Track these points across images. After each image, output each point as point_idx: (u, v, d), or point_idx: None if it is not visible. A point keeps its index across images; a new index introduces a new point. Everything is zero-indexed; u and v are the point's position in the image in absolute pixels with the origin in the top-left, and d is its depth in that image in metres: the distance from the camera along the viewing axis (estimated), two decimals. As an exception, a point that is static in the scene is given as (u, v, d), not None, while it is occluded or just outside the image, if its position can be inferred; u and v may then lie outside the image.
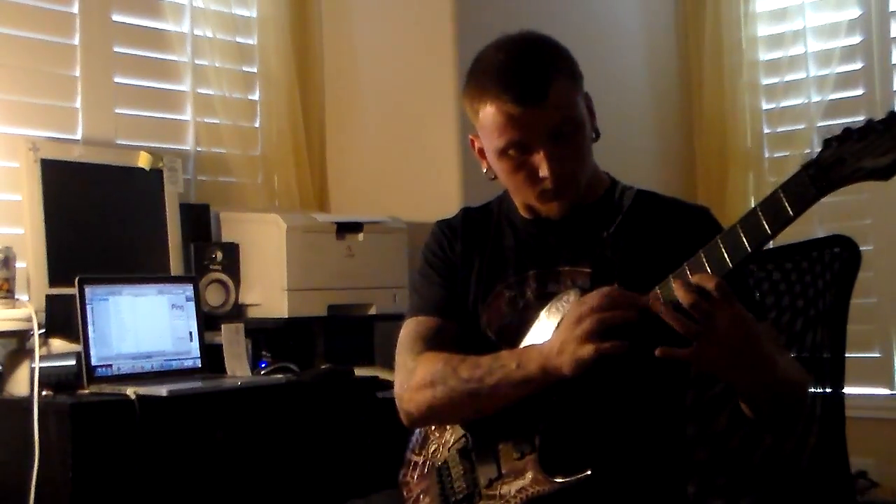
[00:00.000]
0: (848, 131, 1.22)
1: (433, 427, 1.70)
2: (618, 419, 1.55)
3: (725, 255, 1.31)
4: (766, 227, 1.25)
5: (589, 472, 1.43)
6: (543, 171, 1.55)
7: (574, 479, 1.44)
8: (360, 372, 2.69)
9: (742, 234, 1.28)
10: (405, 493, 1.71)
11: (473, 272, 1.70)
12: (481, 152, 1.66)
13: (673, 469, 1.64)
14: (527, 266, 1.66)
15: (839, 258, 1.87)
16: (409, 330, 1.70)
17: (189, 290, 2.67)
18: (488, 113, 1.56)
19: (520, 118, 1.53)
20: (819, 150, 1.25)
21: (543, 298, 1.60)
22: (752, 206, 1.28)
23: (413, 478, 1.71)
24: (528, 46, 1.58)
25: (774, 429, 1.80)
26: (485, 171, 1.68)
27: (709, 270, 1.33)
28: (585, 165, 1.62)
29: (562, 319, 1.49)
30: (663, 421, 1.62)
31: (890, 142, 1.17)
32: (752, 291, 1.61)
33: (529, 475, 1.50)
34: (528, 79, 1.53)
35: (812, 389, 1.83)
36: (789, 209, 1.23)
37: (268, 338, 2.83)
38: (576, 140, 1.57)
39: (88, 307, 2.44)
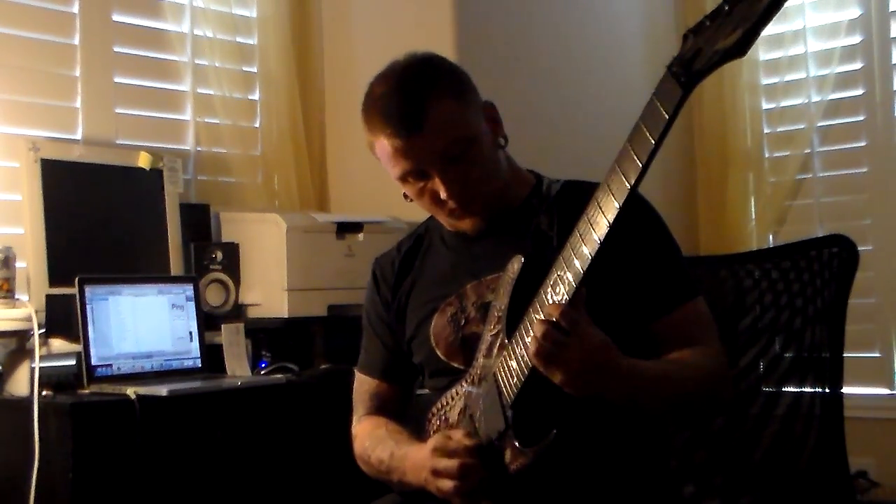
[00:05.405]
0: (701, 20, 1.23)
1: (430, 427, 1.70)
2: None
3: (623, 178, 1.31)
4: (649, 136, 1.26)
5: (555, 432, 1.45)
6: (443, 194, 1.59)
7: (545, 444, 1.46)
8: (360, 372, 2.68)
9: (633, 153, 1.29)
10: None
11: (411, 299, 1.74)
12: None
13: (640, 420, 1.64)
14: (463, 280, 1.67)
15: (837, 258, 1.87)
16: (356, 385, 1.85)
17: (189, 290, 2.67)
18: (382, 145, 1.60)
19: (405, 148, 1.57)
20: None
21: (483, 310, 1.62)
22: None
23: None
24: (404, 76, 1.61)
25: (685, 422, 1.86)
26: (403, 192, 1.70)
27: (612, 196, 1.32)
28: (490, 178, 1.62)
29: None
30: None
31: (736, 19, 1.17)
32: (679, 267, 1.62)
33: (508, 452, 1.51)
34: (404, 109, 1.56)
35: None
36: (664, 112, 1.24)
37: (268, 338, 2.83)
38: (470, 157, 1.58)
39: (88, 307, 2.45)
